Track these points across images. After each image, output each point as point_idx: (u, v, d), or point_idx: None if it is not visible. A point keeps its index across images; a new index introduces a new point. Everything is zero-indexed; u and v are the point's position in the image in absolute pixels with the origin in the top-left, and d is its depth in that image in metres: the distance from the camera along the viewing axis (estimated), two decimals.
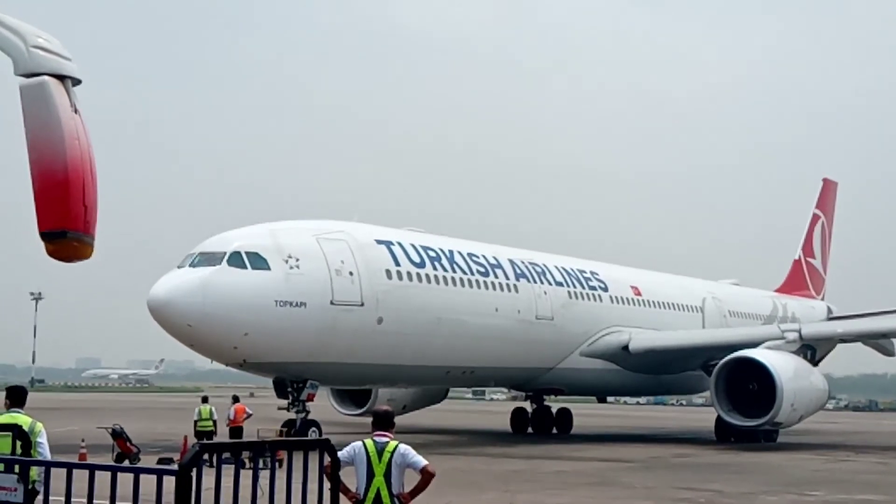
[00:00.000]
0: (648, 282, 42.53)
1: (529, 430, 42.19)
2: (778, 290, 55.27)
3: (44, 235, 8.92)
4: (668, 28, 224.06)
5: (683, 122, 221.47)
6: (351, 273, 28.12)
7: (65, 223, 8.79)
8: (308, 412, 27.94)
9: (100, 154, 9.22)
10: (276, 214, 30.86)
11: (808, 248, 58.31)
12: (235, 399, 29.72)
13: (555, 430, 42.28)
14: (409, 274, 30.21)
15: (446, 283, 31.57)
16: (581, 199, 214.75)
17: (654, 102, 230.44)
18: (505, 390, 59.84)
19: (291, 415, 27.83)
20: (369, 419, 33.54)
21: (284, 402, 28.18)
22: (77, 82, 9.01)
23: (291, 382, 27.93)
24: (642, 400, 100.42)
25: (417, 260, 30.84)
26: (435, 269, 31.35)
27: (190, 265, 26.51)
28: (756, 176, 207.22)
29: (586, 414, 53.50)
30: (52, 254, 9.04)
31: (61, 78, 8.87)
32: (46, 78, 8.73)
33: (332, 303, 27.41)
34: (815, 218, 58.99)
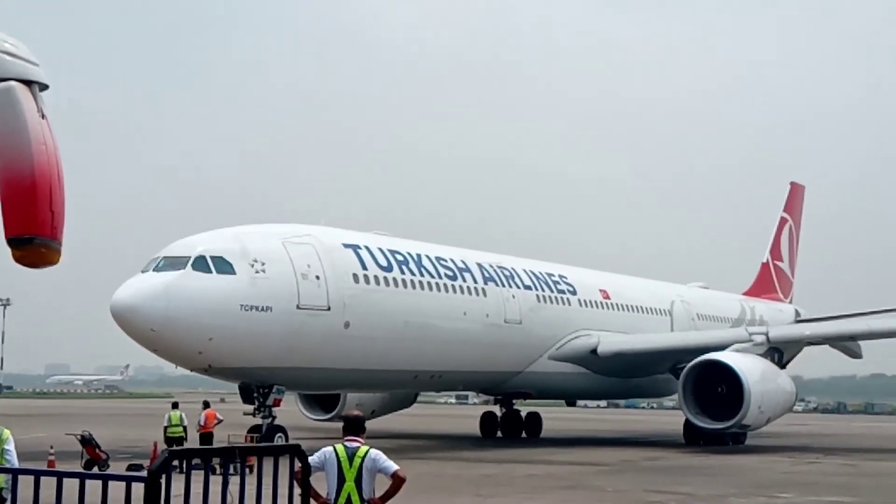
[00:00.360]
0: (617, 285, 42.58)
1: (499, 433, 42.10)
2: (746, 294, 55.55)
3: (11, 241, 8.86)
4: (641, 36, 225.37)
5: (652, 128, 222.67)
6: (317, 277, 27.90)
7: (32, 229, 8.73)
8: (274, 417, 27.65)
9: (67, 158, 9.13)
10: (243, 219, 30.71)
11: (775, 251, 58.64)
12: (206, 405, 29.48)
13: (524, 434, 42.22)
14: (376, 278, 30.04)
15: (414, 287, 31.40)
16: (550, 204, 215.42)
17: (624, 108, 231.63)
18: None
19: (257, 420, 27.54)
20: (338, 424, 33.27)
21: (251, 408, 27.93)
22: (44, 87, 8.94)
23: (257, 388, 27.64)
24: (605, 403, 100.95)
25: (385, 264, 30.67)
26: (402, 272, 31.19)
27: (154, 270, 26.21)
28: (724, 180, 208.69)
29: (555, 417, 53.53)
30: (20, 259, 8.98)
31: (28, 83, 8.80)
32: (13, 83, 8.66)
33: (298, 307, 27.18)
34: (783, 221, 59.32)
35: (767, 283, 57.57)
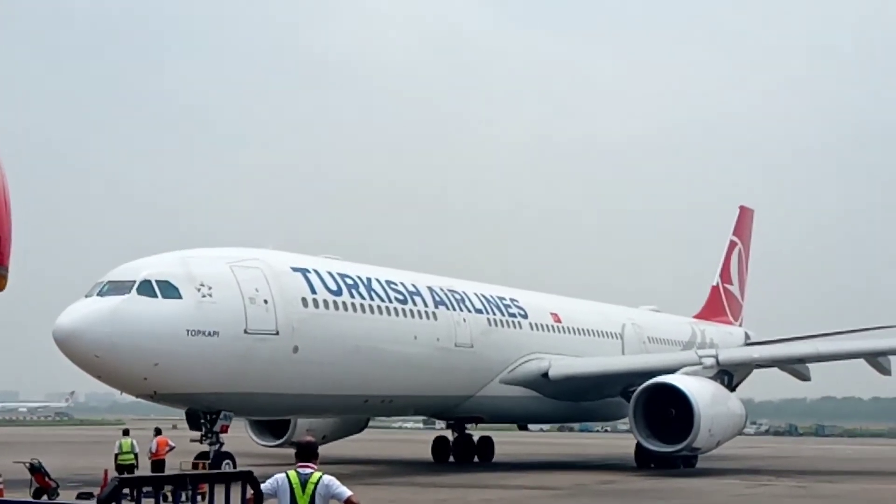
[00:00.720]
0: (568, 309, 42.61)
1: (451, 458, 41.89)
2: (696, 317, 55.92)
3: None
4: (590, 65, 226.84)
5: (603, 154, 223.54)
6: (266, 301, 27.61)
7: None
8: (222, 444, 27.22)
9: (14, 183, 8.95)
10: (190, 243, 30.39)
11: (725, 274, 59.13)
12: (157, 431, 29.04)
13: (476, 459, 42.06)
14: (325, 302, 29.79)
15: (364, 311, 31.17)
16: (500, 229, 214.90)
17: (572, 135, 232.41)
18: None
19: (205, 447, 27.13)
20: (288, 450, 33.08)
21: (198, 434, 27.54)
22: None
23: (204, 414, 27.23)
24: (559, 427, 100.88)
25: (334, 287, 30.43)
26: (352, 296, 30.97)
27: (98, 294, 25.79)
28: (674, 204, 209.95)
29: (508, 442, 53.41)
30: None
31: None
32: None
33: (245, 331, 26.84)
34: (733, 245, 59.88)
35: (718, 307, 58.01)
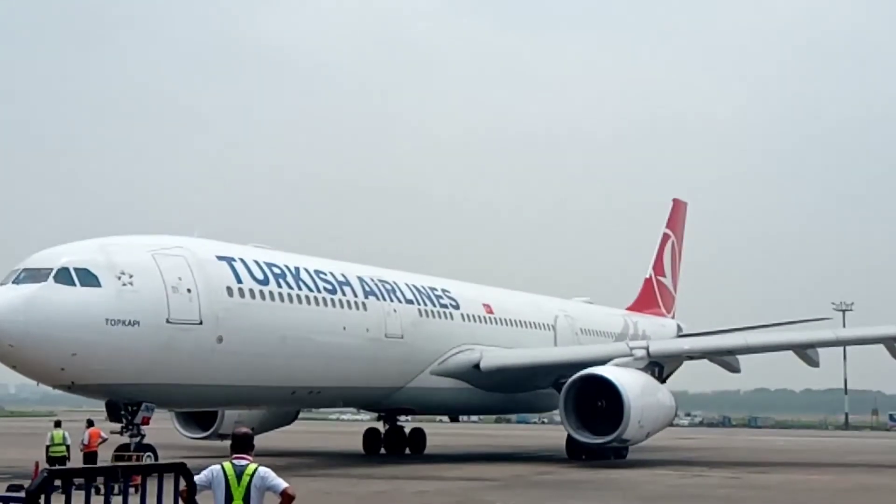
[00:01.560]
0: (500, 300, 42.42)
1: (382, 450, 41.57)
2: (629, 308, 56.07)
3: None
4: (525, 55, 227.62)
5: (535, 144, 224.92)
6: (189, 290, 26.97)
7: None
8: (143, 436, 26.56)
9: None
10: (115, 231, 29.68)
11: (658, 266, 59.38)
12: (90, 423, 28.43)
13: (408, 451, 41.77)
14: (251, 291, 29.20)
15: (291, 301, 30.63)
16: (434, 220, 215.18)
17: (507, 126, 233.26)
18: None
19: (125, 439, 26.48)
20: (215, 442, 32.63)
21: (118, 426, 26.85)
22: None
23: (125, 405, 26.52)
24: (495, 418, 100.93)
25: (261, 277, 29.85)
26: (279, 286, 30.41)
27: (13, 282, 24.95)
28: (608, 196, 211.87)
29: (439, 433, 53.18)
30: None
31: None
32: None
33: (168, 321, 26.20)
34: (666, 237, 60.13)
35: (650, 299, 58.24)
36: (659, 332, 52.75)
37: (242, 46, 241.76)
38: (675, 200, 61.76)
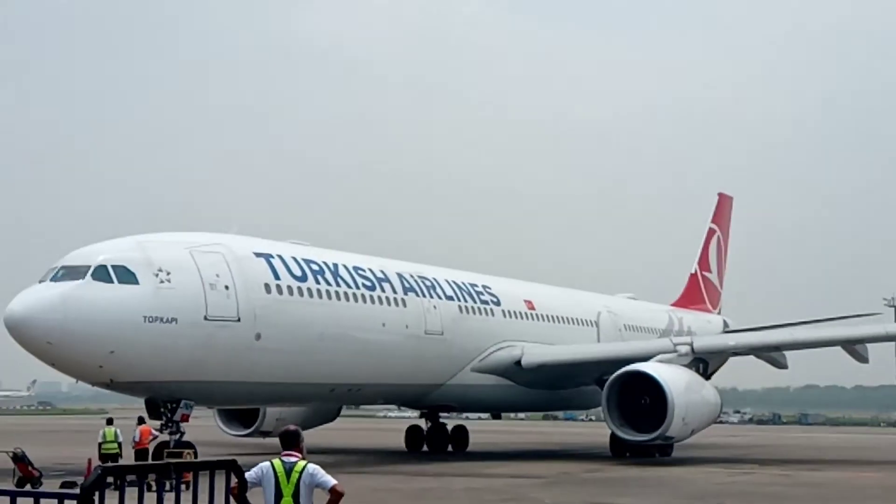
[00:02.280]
0: (542, 296, 42.01)
1: (425, 447, 41.33)
2: (674, 304, 55.45)
3: None
4: (573, 54, 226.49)
5: (582, 141, 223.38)
6: (227, 287, 26.89)
7: None
8: (183, 433, 26.58)
9: None
10: (158, 228, 29.81)
11: (704, 262, 58.64)
12: (141, 420, 28.47)
13: (450, 448, 41.49)
14: (289, 288, 29.08)
15: (329, 298, 30.48)
16: (478, 215, 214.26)
17: (552, 122, 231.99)
18: None
19: (165, 437, 26.51)
20: (258, 440, 32.72)
21: (157, 424, 26.93)
22: None
23: (164, 403, 26.56)
24: (542, 416, 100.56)
25: (299, 273, 29.73)
26: (318, 282, 30.27)
27: (52, 279, 25.02)
28: (653, 191, 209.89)
29: (481, 431, 52.91)
30: None
31: None
32: None
33: (205, 318, 26.13)
34: (711, 232, 59.39)
35: (696, 294, 57.53)
36: (705, 329, 52.05)
37: (285, 42, 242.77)
38: (720, 195, 60.99)
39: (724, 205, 60.85)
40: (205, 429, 38.27)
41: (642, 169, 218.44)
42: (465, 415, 55.37)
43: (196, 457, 25.32)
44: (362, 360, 31.56)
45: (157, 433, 27.48)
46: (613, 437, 35.42)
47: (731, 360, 42.37)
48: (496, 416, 49.16)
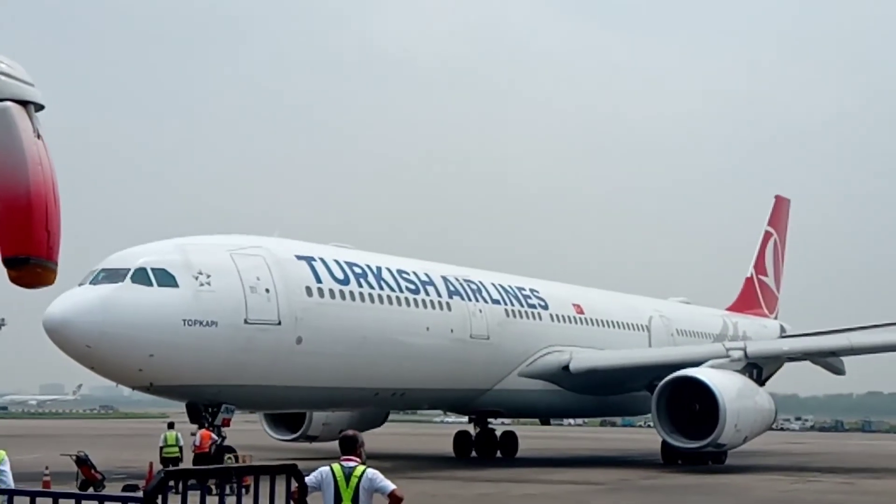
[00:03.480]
0: (592, 300, 41.34)
1: (473, 453, 40.83)
2: (729, 309, 54.40)
3: (6, 261, 8.83)
4: (626, 51, 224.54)
5: (636, 143, 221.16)
6: (267, 290, 26.68)
7: (27, 249, 8.74)
8: (224, 437, 26.39)
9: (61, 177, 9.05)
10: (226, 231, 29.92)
11: (760, 265, 57.50)
12: (201, 425, 28.40)
13: (499, 454, 40.95)
14: (331, 291, 28.79)
15: (372, 301, 30.15)
16: (533, 219, 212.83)
17: (607, 123, 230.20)
18: None
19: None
20: (304, 444, 32.73)
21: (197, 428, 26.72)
22: (40, 108, 8.96)
23: (205, 407, 26.41)
24: (600, 422, 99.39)
25: (341, 276, 29.43)
26: (360, 285, 29.95)
27: (91, 283, 24.98)
28: (708, 193, 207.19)
29: (530, 437, 52.27)
30: (15, 280, 8.96)
31: (24, 103, 8.79)
32: (9, 104, 8.65)
33: (246, 321, 25.94)
34: (768, 235, 58.22)
35: (752, 299, 56.41)
36: (760, 334, 50.96)
37: (351, 49, 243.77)
38: (777, 197, 59.79)
39: (780, 207, 59.63)
40: (251, 433, 38.23)
41: (698, 172, 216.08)
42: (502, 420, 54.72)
43: (237, 460, 25.30)
44: (406, 365, 31.18)
45: (216, 438, 27.47)
46: (665, 444, 34.65)
47: (792, 366, 41.27)
48: (544, 422, 48.46)
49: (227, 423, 26.72)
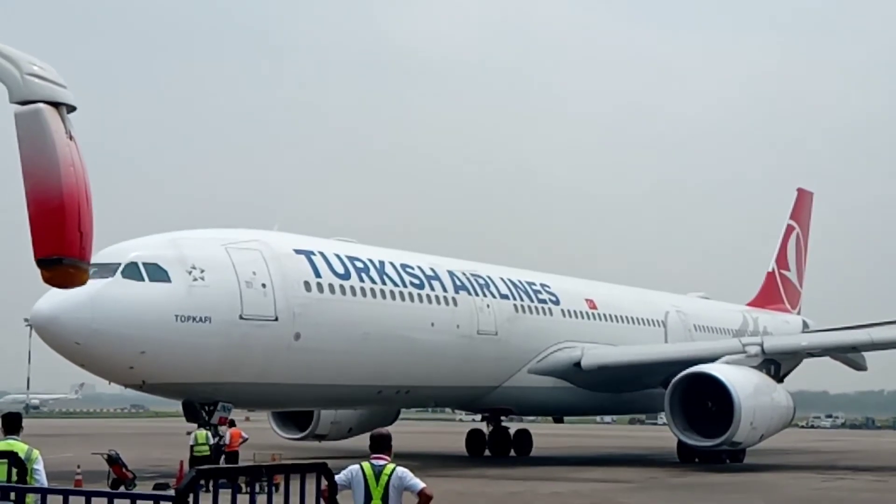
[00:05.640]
0: (605, 294, 40.42)
1: (487, 452, 40.05)
2: (750, 304, 53.32)
3: (40, 262, 8.65)
4: (645, 46, 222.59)
5: (656, 136, 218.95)
6: (264, 285, 25.99)
7: (60, 250, 8.55)
8: (221, 437, 25.82)
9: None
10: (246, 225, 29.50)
11: (782, 260, 56.36)
12: (231, 423, 27.90)
13: (513, 452, 40.15)
14: (331, 286, 28.07)
15: (374, 296, 29.42)
16: (549, 214, 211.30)
17: (627, 117, 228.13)
18: None
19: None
20: (312, 443, 32.21)
21: (194, 426, 26.11)
22: (72, 109, 8.87)
23: (202, 405, 25.81)
24: (629, 419, 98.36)
25: (341, 271, 28.71)
26: (362, 280, 29.22)
27: None
28: (729, 186, 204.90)
29: (543, 434, 51.48)
30: (49, 280, 8.82)
31: (56, 105, 8.67)
32: (41, 105, 8.53)
33: (241, 317, 25.28)
34: (790, 229, 57.06)
35: (773, 294, 55.29)
36: (782, 329, 49.86)
37: (369, 46, 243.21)
38: (799, 190, 58.62)
39: (803, 201, 58.47)
40: (260, 431, 37.67)
41: (719, 165, 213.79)
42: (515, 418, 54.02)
43: (237, 461, 24.90)
44: (410, 361, 30.46)
45: (246, 436, 27.04)
46: (681, 442, 33.76)
47: (821, 362, 40.30)
48: (557, 420, 47.55)
49: (223, 421, 26.17)
